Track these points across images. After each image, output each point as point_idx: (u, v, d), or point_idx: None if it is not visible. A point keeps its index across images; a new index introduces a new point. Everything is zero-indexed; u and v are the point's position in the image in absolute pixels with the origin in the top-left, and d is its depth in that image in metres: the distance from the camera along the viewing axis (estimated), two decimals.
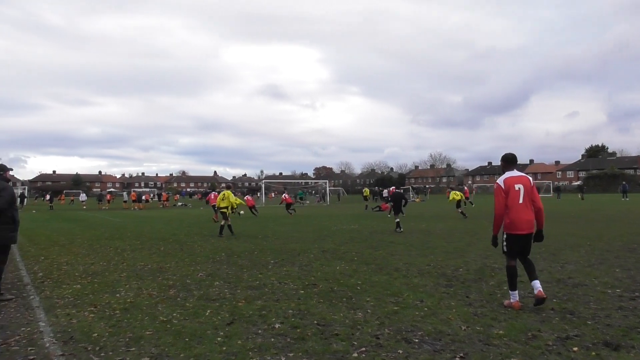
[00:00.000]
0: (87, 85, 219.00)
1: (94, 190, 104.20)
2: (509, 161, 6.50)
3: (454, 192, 25.67)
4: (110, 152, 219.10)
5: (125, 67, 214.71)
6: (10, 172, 7.78)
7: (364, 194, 41.85)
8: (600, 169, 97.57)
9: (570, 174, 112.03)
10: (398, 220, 17.39)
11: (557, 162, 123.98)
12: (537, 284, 6.06)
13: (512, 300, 6.15)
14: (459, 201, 24.67)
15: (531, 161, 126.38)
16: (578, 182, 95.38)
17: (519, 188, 6.14)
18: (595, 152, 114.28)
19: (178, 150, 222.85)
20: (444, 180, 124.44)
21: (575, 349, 4.62)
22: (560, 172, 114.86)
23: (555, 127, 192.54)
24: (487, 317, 5.68)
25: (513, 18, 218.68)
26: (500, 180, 6.31)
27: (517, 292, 6.19)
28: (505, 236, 6.23)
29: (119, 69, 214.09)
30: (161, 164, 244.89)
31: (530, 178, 6.43)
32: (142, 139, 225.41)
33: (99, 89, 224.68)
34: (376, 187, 71.27)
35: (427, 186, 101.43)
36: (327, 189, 58.83)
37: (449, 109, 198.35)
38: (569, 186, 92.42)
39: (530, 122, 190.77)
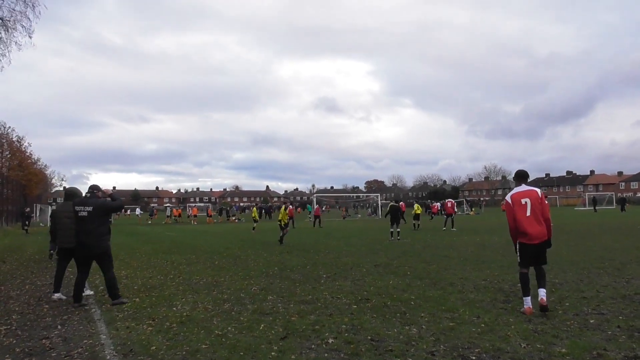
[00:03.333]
0: (145, 102, 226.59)
1: (151, 205, 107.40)
2: (519, 177, 7.04)
3: (416, 205, 29.00)
4: (167, 168, 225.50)
5: (182, 83, 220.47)
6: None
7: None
8: None
9: (634, 184, 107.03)
10: (393, 230, 19.71)
11: (620, 173, 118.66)
12: (542, 292, 6.45)
13: (524, 306, 6.53)
14: (417, 215, 27.67)
15: (592, 172, 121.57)
16: None
17: (526, 202, 6.64)
18: None
19: (232, 165, 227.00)
20: (499, 192, 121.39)
21: None
22: (623, 183, 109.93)
23: (621, 136, 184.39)
24: (548, 335, 5.47)
25: (574, 23, 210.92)
26: (508, 197, 6.90)
27: (529, 298, 6.53)
28: (518, 245, 6.77)
29: (176, 85, 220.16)
30: (215, 179, 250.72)
31: (539, 191, 6.82)
32: (197, 154, 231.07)
33: (157, 105, 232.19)
34: (429, 201, 70.27)
35: (481, 199, 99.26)
36: (379, 202, 58.46)
37: (508, 118, 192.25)
38: (633, 197, 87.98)
39: (594, 131, 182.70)
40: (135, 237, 25.91)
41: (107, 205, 8.09)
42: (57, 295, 8.41)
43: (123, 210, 54.66)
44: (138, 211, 55.81)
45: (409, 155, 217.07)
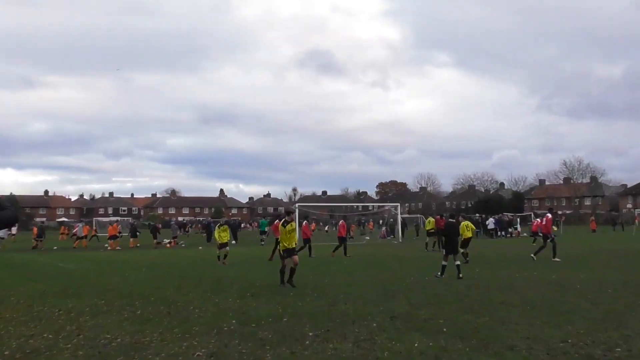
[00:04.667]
0: (32, 57, 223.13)
1: (37, 219, 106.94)
2: None
3: (465, 222, 27.54)
4: (62, 161, 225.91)
5: (90, 29, 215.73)
6: None
7: (428, 228, 40.12)
8: None
9: None
10: (446, 263, 19.15)
11: None
12: None
13: None
14: (467, 239, 26.25)
15: None
16: None
17: None
18: None
19: (165, 157, 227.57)
20: (587, 202, 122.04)
21: None
22: None
23: None
24: None
25: None
26: None
27: None
28: None
29: (80, 32, 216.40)
30: (139, 179, 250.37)
31: None
32: (111, 139, 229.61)
33: (50, 62, 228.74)
34: (477, 215, 70.54)
35: (559, 212, 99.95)
36: (399, 216, 58.53)
37: (601, 87, 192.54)
38: None
39: None
40: (10, 270, 25.76)
41: None
42: None
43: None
44: (2, 232, 51.82)
45: (446, 143, 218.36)
